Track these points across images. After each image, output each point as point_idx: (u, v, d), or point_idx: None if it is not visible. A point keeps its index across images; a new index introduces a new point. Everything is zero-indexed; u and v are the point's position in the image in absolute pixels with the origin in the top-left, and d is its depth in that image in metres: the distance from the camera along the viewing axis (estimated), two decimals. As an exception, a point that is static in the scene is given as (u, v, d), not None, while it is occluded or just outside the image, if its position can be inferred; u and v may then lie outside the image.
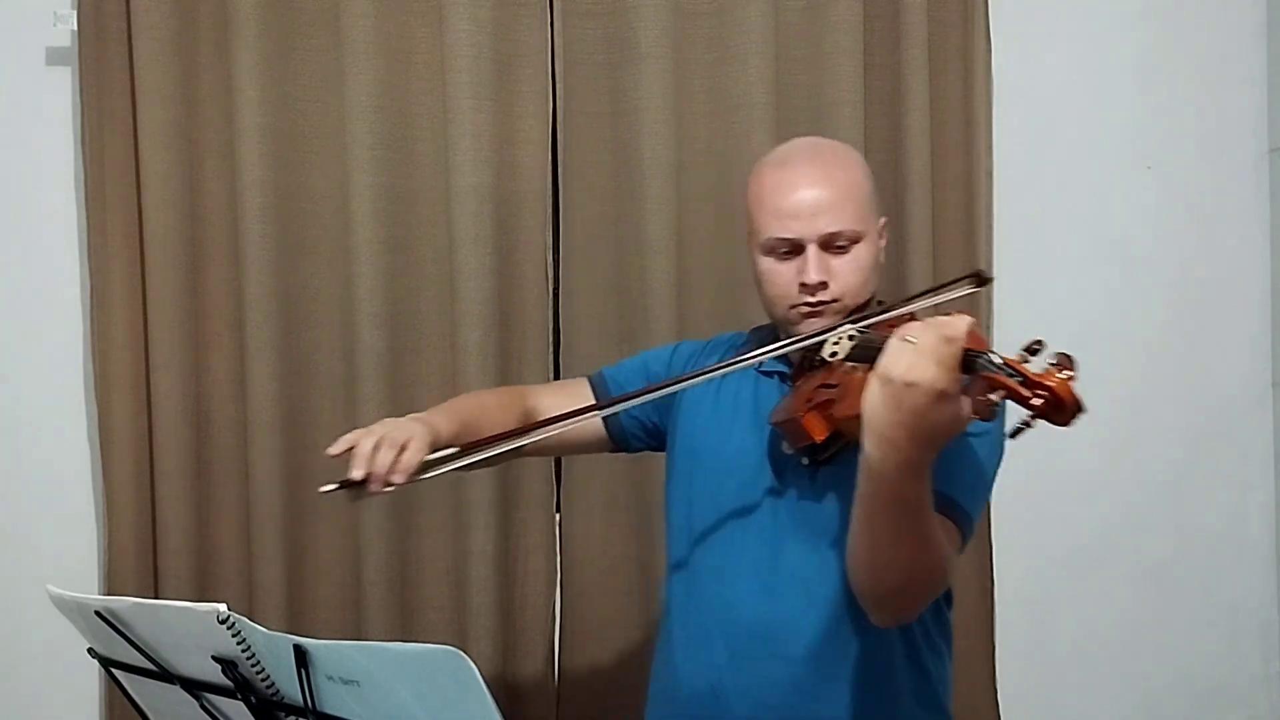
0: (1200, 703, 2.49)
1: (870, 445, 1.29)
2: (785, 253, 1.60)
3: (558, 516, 2.33)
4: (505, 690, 2.27)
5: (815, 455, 1.56)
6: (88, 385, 2.26)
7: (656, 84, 2.25)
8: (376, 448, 1.52)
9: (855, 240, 1.59)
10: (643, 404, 1.74)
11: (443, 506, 2.29)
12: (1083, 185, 2.45)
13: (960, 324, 1.24)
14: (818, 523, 1.57)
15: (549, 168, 2.29)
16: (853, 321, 1.55)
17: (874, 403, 1.27)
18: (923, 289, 1.63)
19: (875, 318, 1.54)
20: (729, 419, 1.67)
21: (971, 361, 1.24)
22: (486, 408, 1.74)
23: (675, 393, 1.69)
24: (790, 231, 1.58)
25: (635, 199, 2.28)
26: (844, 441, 1.51)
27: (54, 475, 2.29)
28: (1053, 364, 1.21)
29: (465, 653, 1.10)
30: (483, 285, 2.24)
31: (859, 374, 1.45)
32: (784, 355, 1.65)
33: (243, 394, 2.24)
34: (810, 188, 1.58)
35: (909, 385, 1.23)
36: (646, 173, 2.26)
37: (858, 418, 1.33)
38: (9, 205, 2.28)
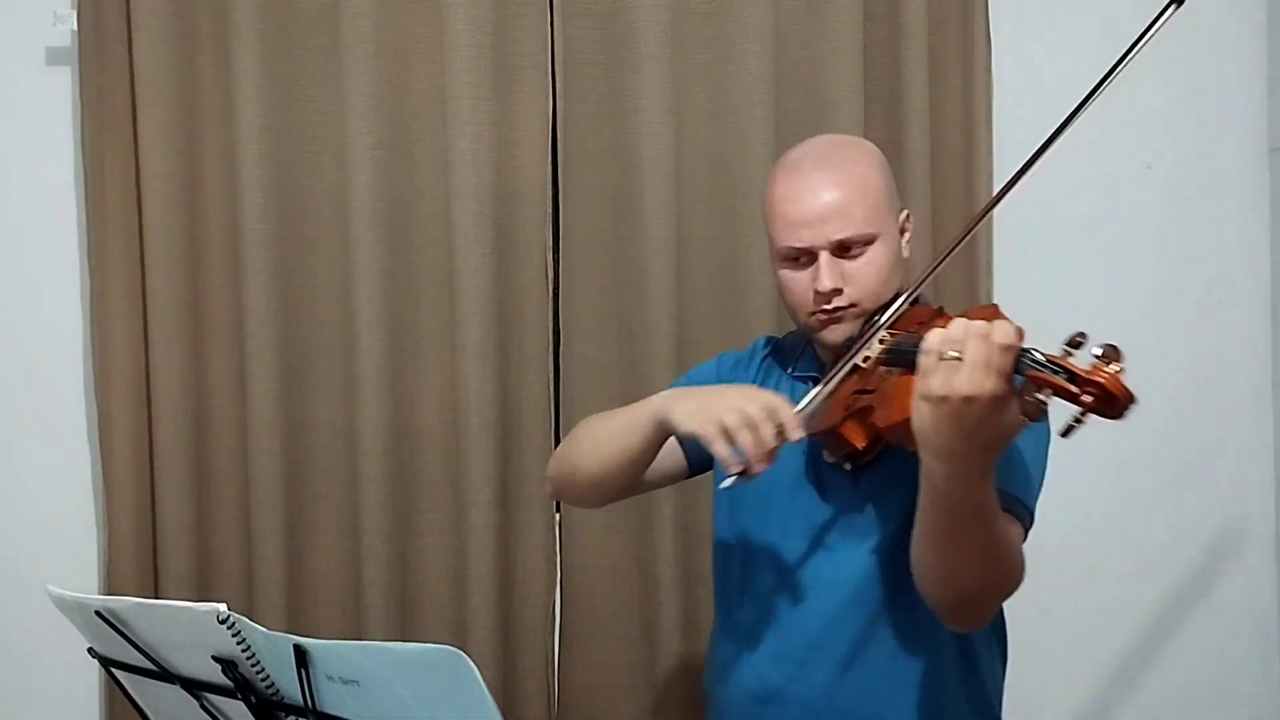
0: (1200, 703, 2.49)
1: (933, 461, 1.27)
2: (800, 261, 1.58)
3: (558, 516, 2.33)
4: (505, 690, 2.27)
5: (857, 460, 1.55)
6: (88, 385, 2.26)
7: (656, 84, 2.25)
8: (753, 430, 1.40)
9: (869, 242, 1.56)
10: None
11: (443, 506, 2.29)
12: (1083, 185, 2.45)
13: (1010, 328, 1.21)
14: (861, 527, 1.56)
15: (549, 168, 2.29)
16: (882, 323, 1.51)
17: (929, 422, 1.24)
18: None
19: (895, 314, 1.50)
20: None
21: (1018, 362, 1.21)
22: None
23: None
24: (801, 240, 1.56)
25: (635, 199, 2.28)
26: (885, 444, 1.48)
27: (54, 475, 2.29)
28: (1098, 356, 1.18)
29: (465, 653, 1.10)
30: (483, 285, 2.24)
31: (895, 377, 1.43)
32: (816, 360, 1.65)
33: (243, 394, 2.24)
34: (818, 194, 1.56)
35: (969, 400, 1.20)
36: (646, 173, 2.26)
37: (901, 425, 1.32)
38: (9, 205, 2.28)
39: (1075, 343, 1.20)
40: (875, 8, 2.31)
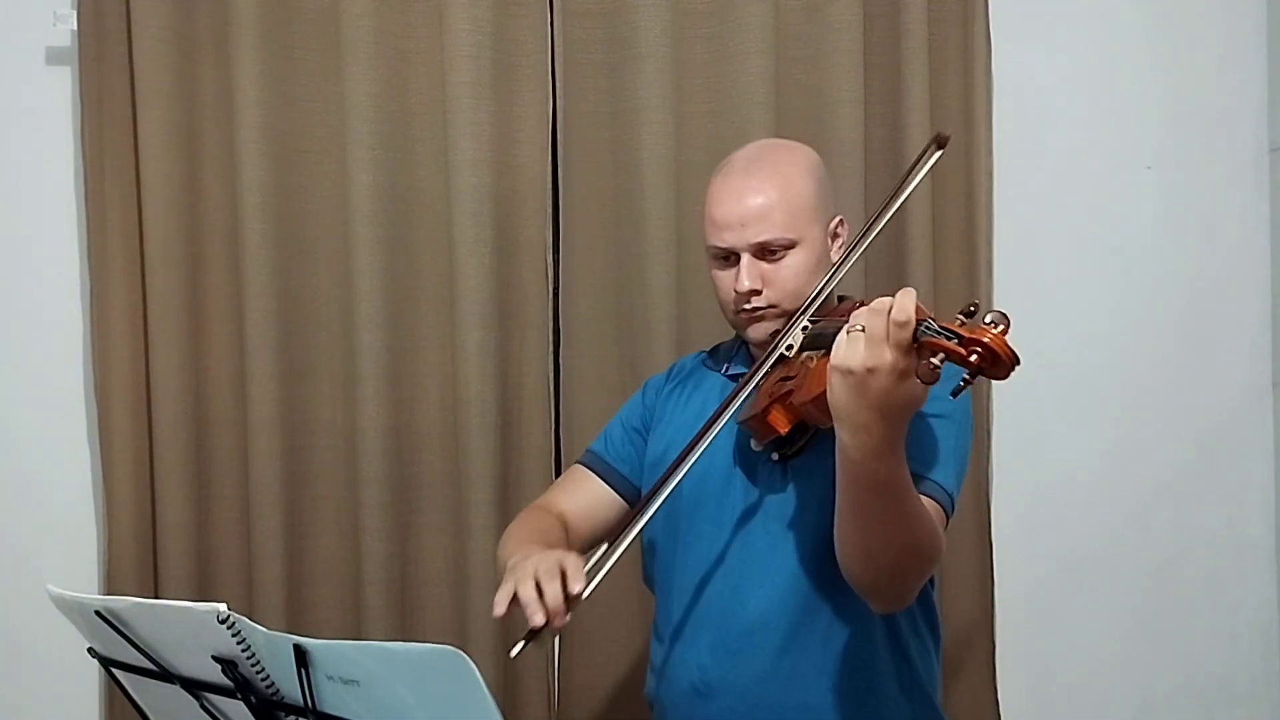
0: (1200, 703, 2.49)
1: (844, 433, 1.34)
2: (728, 260, 1.66)
3: (558, 516, 2.33)
4: (505, 690, 2.27)
5: (783, 450, 1.61)
6: (88, 385, 2.26)
7: (656, 84, 2.25)
8: (539, 587, 1.45)
9: (789, 247, 1.63)
10: (632, 451, 1.80)
11: (443, 507, 2.29)
12: (1083, 185, 2.45)
13: (908, 305, 1.28)
14: (790, 515, 1.61)
15: (549, 168, 2.29)
16: (803, 313, 1.60)
17: (839, 394, 1.32)
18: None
19: (816, 303, 1.59)
20: (695, 426, 1.67)
21: (916, 334, 1.29)
22: (545, 530, 1.71)
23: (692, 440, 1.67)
24: (723, 241, 1.64)
25: (635, 199, 2.28)
26: (810, 433, 1.56)
27: (54, 476, 2.29)
28: (988, 322, 1.25)
29: (465, 653, 1.10)
30: (482, 285, 2.24)
31: (814, 361, 1.50)
32: (749, 358, 1.71)
33: (243, 394, 2.24)
34: (741, 198, 1.63)
35: (871, 371, 1.29)
36: (646, 173, 2.26)
37: (815, 400, 1.39)
38: (9, 205, 2.28)
39: (968, 311, 1.29)
40: (875, 8, 2.31)
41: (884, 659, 1.62)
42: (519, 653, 1.46)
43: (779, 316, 1.64)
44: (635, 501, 1.79)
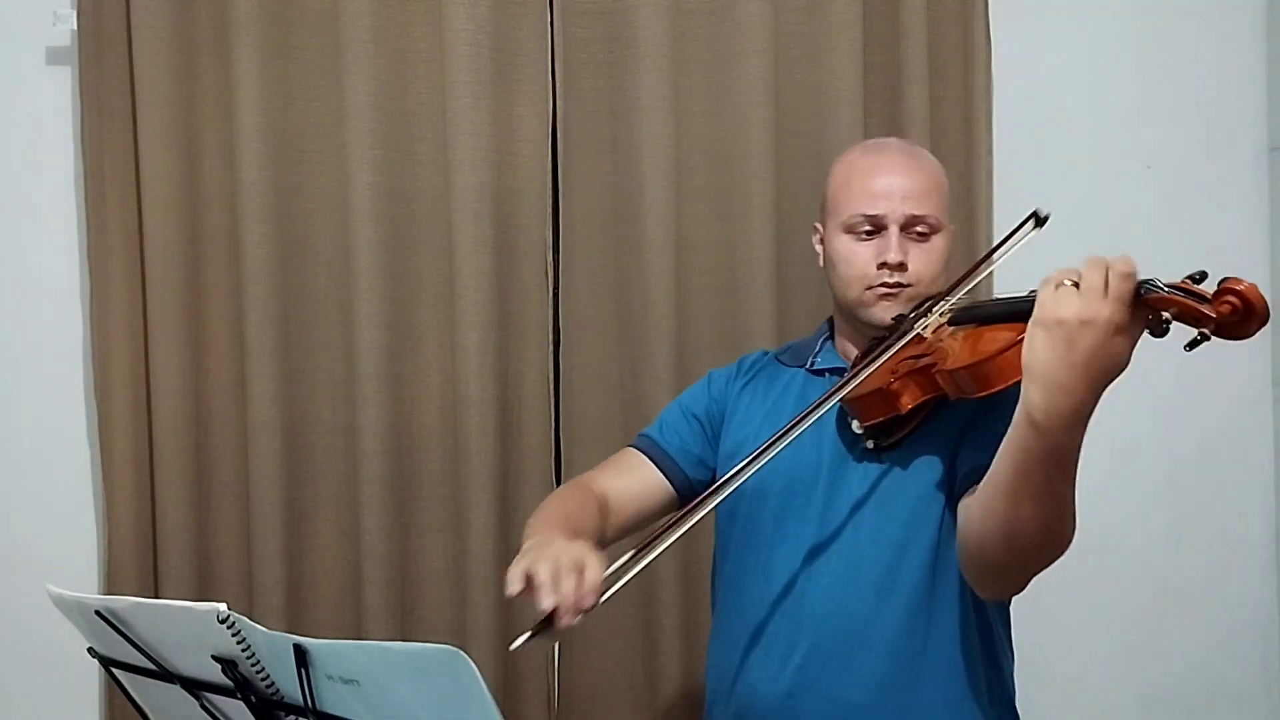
0: (1200, 703, 2.49)
1: (1038, 394, 1.26)
2: (867, 232, 1.65)
3: (558, 516, 2.32)
4: (505, 690, 2.27)
5: (879, 439, 1.59)
6: (88, 385, 2.26)
7: (656, 83, 2.25)
8: (556, 575, 1.37)
9: (935, 230, 1.65)
10: (695, 441, 1.76)
11: (443, 506, 2.29)
12: (1082, 185, 2.45)
13: (1129, 258, 1.24)
14: (888, 509, 1.57)
15: (549, 167, 2.29)
16: (943, 299, 1.58)
17: (1042, 350, 1.25)
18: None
19: (958, 294, 1.58)
20: (778, 420, 1.63)
21: (1138, 290, 1.24)
22: (575, 514, 1.63)
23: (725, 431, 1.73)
24: (877, 208, 1.63)
25: (635, 199, 2.28)
26: (913, 423, 1.55)
27: (54, 475, 2.29)
28: (1224, 281, 1.20)
29: (465, 653, 1.10)
30: (482, 285, 2.24)
31: (961, 334, 1.49)
32: (833, 353, 1.71)
33: (243, 394, 2.24)
34: (901, 172, 1.66)
35: (1084, 324, 1.23)
36: (646, 172, 2.26)
37: (972, 367, 1.37)
38: (9, 205, 2.28)
39: (1195, 278, 1.24)
40: (875, 8, 2.31)
41: (978, 665, 1.58)
42: (520, 645, 1.37)
43: (911, 299, 1.63)
44: (685, 491, 1.72)
